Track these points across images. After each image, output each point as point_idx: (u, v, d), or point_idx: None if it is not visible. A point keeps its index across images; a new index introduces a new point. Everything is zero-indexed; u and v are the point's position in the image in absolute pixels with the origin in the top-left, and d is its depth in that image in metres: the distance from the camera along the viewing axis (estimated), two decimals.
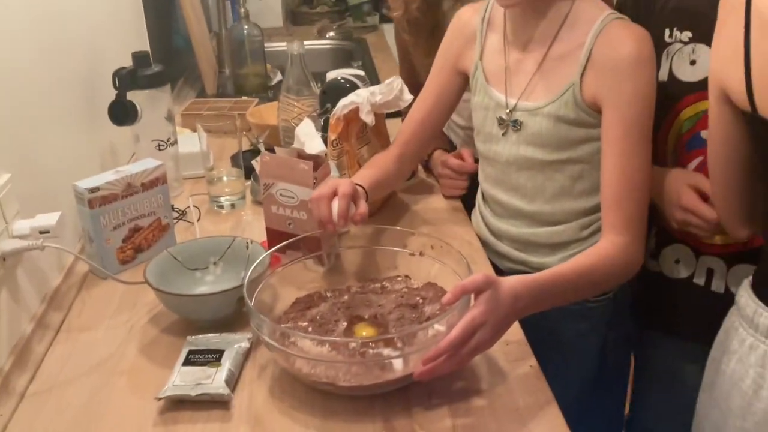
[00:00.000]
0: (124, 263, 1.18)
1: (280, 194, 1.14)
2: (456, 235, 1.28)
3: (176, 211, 1.36)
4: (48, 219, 0.97)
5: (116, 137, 1.44)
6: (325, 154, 1.24)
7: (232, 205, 1.39)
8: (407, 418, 0.86)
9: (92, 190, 1.11)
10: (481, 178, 1.25)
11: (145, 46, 1.79)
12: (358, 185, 1.10)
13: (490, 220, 1.23)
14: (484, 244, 1.25)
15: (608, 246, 1.02)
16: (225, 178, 1.42)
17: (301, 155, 1.15)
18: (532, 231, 1.17)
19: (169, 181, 1.43)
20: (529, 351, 0.97)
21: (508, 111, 1.13)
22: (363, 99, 1.26)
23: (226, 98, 2.01)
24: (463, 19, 1.21)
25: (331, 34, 2.71)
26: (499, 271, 1.24)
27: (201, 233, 1.30)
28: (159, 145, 1.41)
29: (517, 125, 1.12)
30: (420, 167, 1.51)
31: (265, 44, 2.52)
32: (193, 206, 1.38)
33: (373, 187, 1.15)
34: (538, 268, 1.06)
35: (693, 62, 1.07)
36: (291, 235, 1.11)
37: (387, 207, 1.40)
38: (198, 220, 1.35)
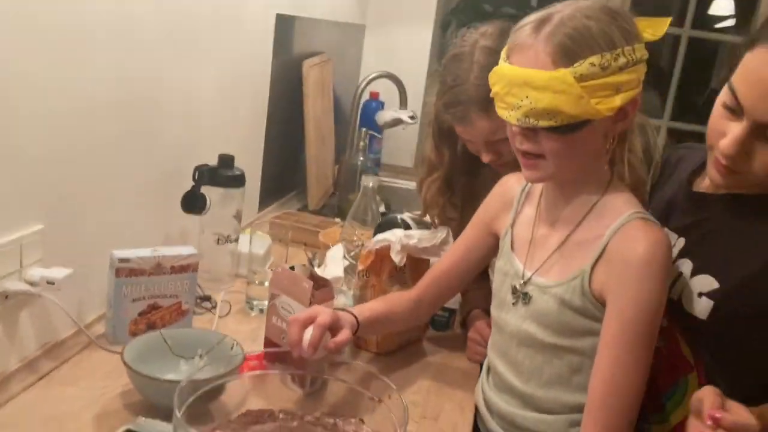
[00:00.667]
0: (134, 335, 1.24)
1: (282, 307, 1.17)
2: (455, 398, 1.23)
3: (206, 299, 1.43)
4: (59, 273, 1.06)
5: (187, 224, 1.56)
6: (339, 281, 1.26)
7: (261, 310, 1.43)
8: None
9: (122, 260, 1.21)
10: (489, 344, 1.20)
11: (258, 152, 1.97)
12: (352, 314, 1.11)
13: (487, 392, 1.17)
14: (479, 414, 1.18)
15: None
16: (265, 284, 1.48)
17: (313, 276, 1.18)
18: (522, 413, 1.09)
19: (221, 276, 1.55)
20: None
21: (522, 282, 1.10)
22: (396, 238, 1.28)
23: (321, 216, 2.11)
24: (506, 186, 1.22)
25: None
26: None
27: (221, 328, 1.34)
28: (218, 239, 1.51)
29: (526, 298, 1.09)
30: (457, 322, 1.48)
31: (387, 180, 2.66)
32: (225, 301, 1.45)
33: (371, 321, 1.15)
34: None
35: None
36: (284, 352, 1.12)
37: (406, 351, 1.37)
38: (224, 315, 1.41)
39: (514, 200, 1.18)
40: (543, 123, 0.96)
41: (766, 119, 0.92)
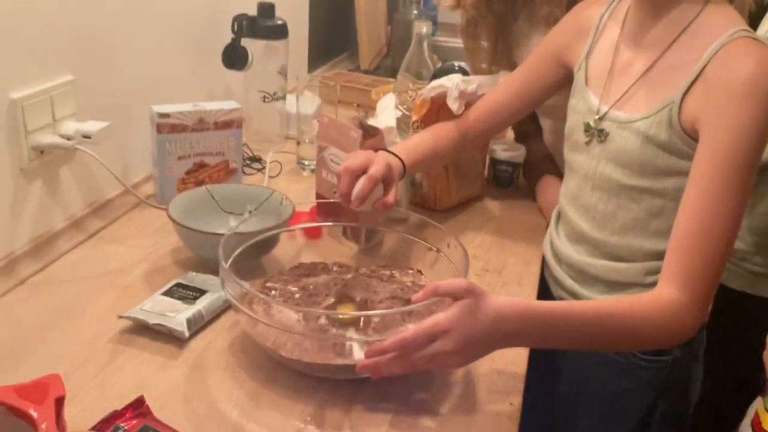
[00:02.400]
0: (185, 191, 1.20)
1: (331, 159, 1.09)
2: (520, 252, 1.15)
3: (255, 160, 1.37)
4: (95, 126, 1.01)
5: (230, 81, 1.47)
6: (391, 130, 1.17)
7: (313, 170, 1.36)
8: (343, 412, 0.77)
9: (162, 115, 1.14)
10: (561, 190, 1.10)
11: (304, 5, 1.84)
12: (398, 157, 1.02)
13: (556, 240, 1.08)
14: (546, 264, 1.11)
15: (656, 298, 0.83)
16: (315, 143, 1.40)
17: (362, 125, 1.09)
18: (591, 261, 1.00)
19: (270, 136, 1.48)
20: (520, 387, 0.83)
21: (597, 118, 0.98)
22: (453, 84, 1.16)
23: (374, 76, 2.00)
24: (583, 11, 1.07)
25: None
26: (551, 299, 1.09)
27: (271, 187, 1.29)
28: (264, 97, 1.43)
29: (602, 136, 0.97)
30: (521, 177, 1.39)
31: (446, 39, 2.49)
32: (275, 161, 1.38)
33: (418, 160, 1.06)
34: None
35: None
36: (336, 204, 1.06)
37: (466, 207, 1.29)
38: (275, 175, 1.35)
39: (592, 26, 1.03)
40: None
41: None
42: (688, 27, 0.90)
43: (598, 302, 0.87)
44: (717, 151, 0.83)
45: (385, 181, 0.97)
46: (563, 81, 1.09)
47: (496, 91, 1.14)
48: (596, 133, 0.97)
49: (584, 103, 1.01)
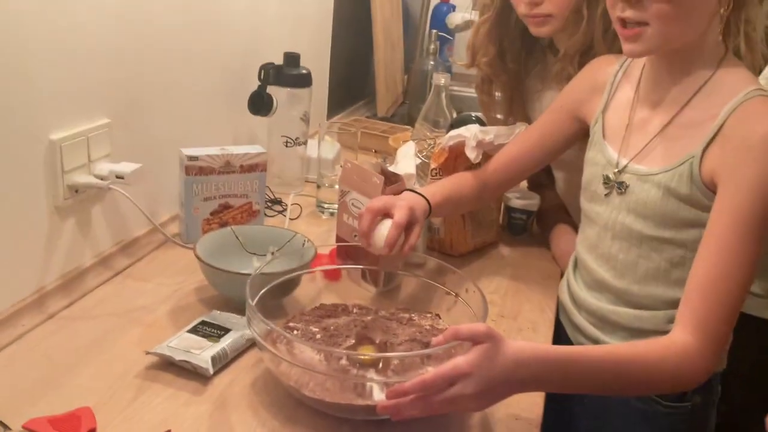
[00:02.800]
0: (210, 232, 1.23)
1: (352, 204, 1.13)
2: (535, 299, 1.17)
3: (276, 203, 1.41)
4: (128, 167, 1.05)
5: (255, 126, 1.52)
6: (411, 177, 1.20)
7: (332, 213, 1.40)
8: None
9: (191, 158, 1.18)
10: (578, 239, 1.13)
11: (325, 55, 1.90)
12: (424, 197, 1.06)
13: (575, 287, 1.10)
14: (563, 310, 1.13)
15: (670, 342, 0.85)
16: (336, 187, 1.44)
17: (384, 171, 1.13)
18: (613, 309, 1.03)
19: (291, 180, 1.52)
20: (539, 404, 0.85)
21: (616, 171, 1.01)
22: (471, 134, 1.21)
23: (391, 123, 2.05)
24: (597, 68, 1.11)
25: None
26: (570, 344, 1.11)
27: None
28: (287, 142, 1.47)
29: (622, 188, 1.00)
30: (535, 225, 1.42)
31: (461, 89, 2.56)
32: (295, 204, 1.42)
33: (442, 202, 1.11)
34: None
35: None
36: (356, 247, 1.09)
37: (481, 253, 1.32)
38: (295, 217, 1.39)
39: (606, 83, 1.07)
40: None
41: None
42: (704, 86, 0.94)
43: (613, 348, 0.89)
44: (735, 203, 0.86)
45: (408, 223, 1.01)
46: (578, 135, 1.13)
47: (514, 143, 1.18)
48: (616, 185, 1.01)
49: (602, 155, 1.04)
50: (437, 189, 1.13)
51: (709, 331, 0.84)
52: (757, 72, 1.00)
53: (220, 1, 1.32)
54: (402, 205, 1.01)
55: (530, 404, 0.89)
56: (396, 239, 0.99)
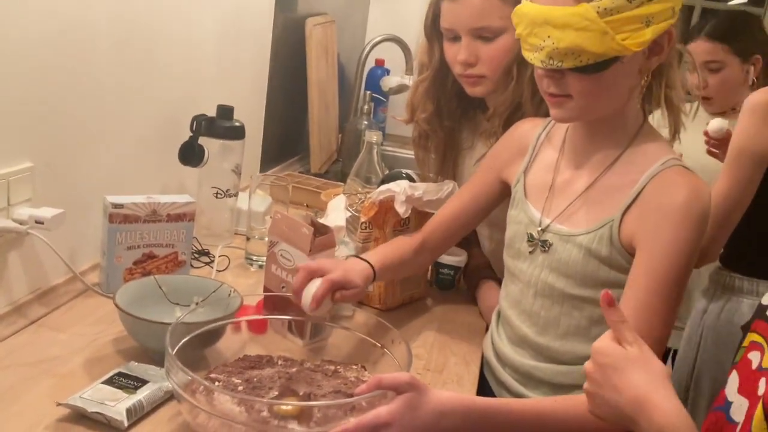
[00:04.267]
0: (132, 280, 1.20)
1: (281, 254, 1.12)
2: (460, 352, 1.18)
3: (204, 254, 1.39)
4: (49, 212, 1.02)
5: (185, 176, 1.51)
6: (341, 230, 1.21)
7: (260, 266, 1.39)
8: None
9: (116, 206, 1.16)
10: (501, 295, 1.16)
11: (260, 110, 1.92)
12: (368, 262, 1.08)
13: (498, 342, 1.12)
14: (488, 366, 1.14)
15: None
16: (265, 239, 1.43)
17: (314, 223, 1.13)
18: (535, 364, 1.05)
19: (220, 231, 1.50)
20: None
21: (540, 229, 1.05)
22: (400, 189, 1.23)
23: (324, 179, 2.07)
24: (520, 131, 1.16)
25: None
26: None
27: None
28: (217, 193, 1.47)
29: (545, 247, 1.04)
30: (462, 280, 1.44)
31: (393, 150, 2.61)
32: (223, 256, 1.40)
33: (385, 266, 1.12)
34: None
35: None
36: (283, 298, 1.09)
37: (409, 307, 1.33)
38: (223, 269, 1.37)
39: (529, 146, 1.12)
40: (567, 63, 0.91)
41: None
42: (624, 153, 1.00)
43: (536, 401, 0.90)
44: (653, 266, 0.91)
45: (340, 285, 1.01)
46: (505, 194, 1.17)
47: (448, 205, 1.23)
48: (539, 244, 1.04)
49: (525, 214, 1.08)
50: (380, 255, 1.14)
51: None
52: (677, 132, 1.06)
53: (155, 47, 1.32)
54: (338, 267, 1.02)
55: None
56: (323, 295, 0.99)
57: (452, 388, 1.07)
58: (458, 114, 1.41)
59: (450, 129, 1.41)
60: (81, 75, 1.13)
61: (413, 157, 2.61)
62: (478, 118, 1.38)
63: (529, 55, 0.94)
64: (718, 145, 1.65)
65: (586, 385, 0.76)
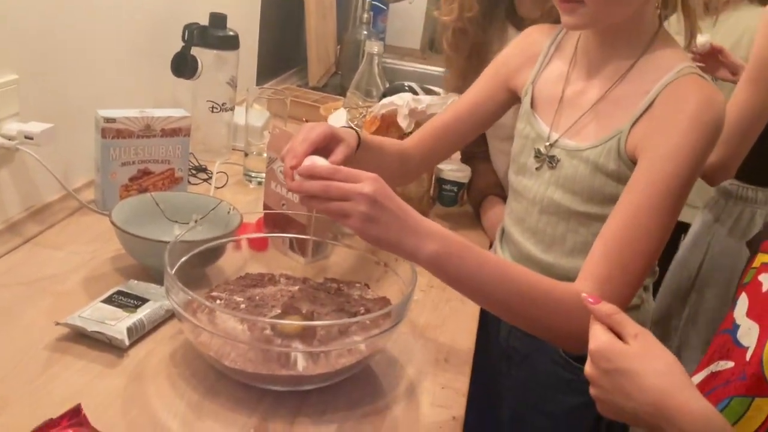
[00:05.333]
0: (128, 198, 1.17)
1: (280, 171, 1.09)
2: None
3: (201, 170, 1.35)
4: (38, 127, 0.98)
5: (179, 89, 1.45)
6: None
7: (260, 183, 1.36)
8: (287, 424, 0.76)
9: (108, 120, 1.12)
10: (506, 212, 1.13)
11: (255, 18, 1.84)
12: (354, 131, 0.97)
13: None
14: None
15: (573, 288, 0.84)
16: (264, 155, 1.39)
17: None
18: None
19: (217, 147, 1.46)
20: (462, 402, 0.84)
21: (547, 144, 1.01)
22: (403, 102, 1.19)
23: (322, 93, 2.01)
24: (532, 37, 1.10)
25: None
26: (497, 319, 1.11)
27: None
28: (213, 107, 1.42)
29: (553, 162, 1.00)
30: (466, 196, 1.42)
31: (394, 62, 2.53)
32: (221, 172, 1.37)
33: (370, 144, 1.00)
34: None
35: None
36: (284, 216, 1.06)
37: None
38: (221, 186, 1.34)
39: (539, 55, 1.06)
40: None
41: None
42: (637, 62, 0.94)
43: (519, 265, 0.87)
44: (651, 171, 0.86)
45: (330, 141, 0.89)
46: (509, 104, 1.11)
47: (444, 112, 1.15)
48: (547, 160, 1.00)
49: (532, 128, 1.04)
50: (364, 134, 1.03)
51: (608, 290, 0.82)
52: (693, 37, 1.00)
53: None
54: (322, 125, 0.90)
55: (456, 374, 0.88)
56: (303, 155, 0.84)
57: (456, 305, 1.06)
58: (502, 15, 1.32)
59: (484, 31, 1.33)
60: None
61: (415, 69, 2.56)
62: (507, 27, 1.30)
63: None
64: (701, 59, 1.59)
65: (591, 389, 0.68)
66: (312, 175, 0.78)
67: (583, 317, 0.77)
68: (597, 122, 0.97)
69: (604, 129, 0.95)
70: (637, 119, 0.91)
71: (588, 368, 0.67)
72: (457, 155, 1.49)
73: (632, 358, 0.64)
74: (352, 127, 1.01)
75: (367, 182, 0.77)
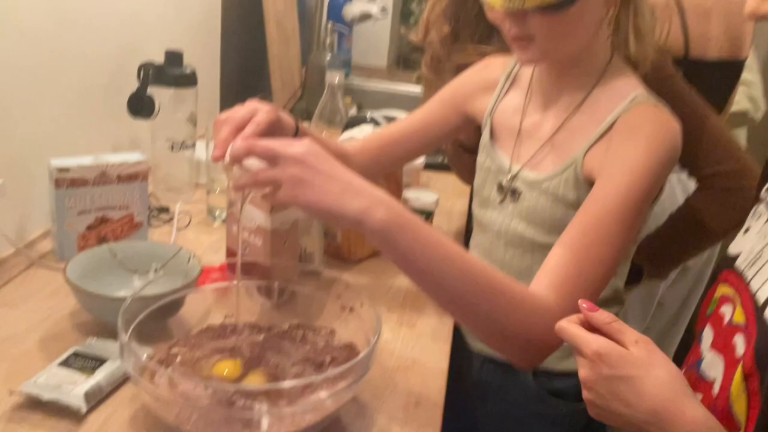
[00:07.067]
0: (84, 249, 1.14)
1: (241, 214, 1.06)
2: (434, 305, 1.15)
3: (163, 211, 1.33)
4: None
5: (137, 130, 1.43)
6: None
7: (224, 220, 1.33)
8: None
9: (62, 170, 1.09)
10: (471, 244, 1.12)
11: (215, 50, 1.81)
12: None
13: None
14: None
15: (530, 290, 0.82)
16: (226, 192, 1.37)
17: None
18: None
19: (179, 185, 1.44)
20: (438, 419, 0.83)
21: (508, 177, 1.00)
22: (363, 135, 1.17)
23: None
24: (490, 67, 1.10)
25: None
26: (470, 354, 1.10)
27: (180, 241, 1.25)
28: (172, 146, 1.39)
29: (515, 195, 0.99)
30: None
31: (361, 82, 2.51)
32: (184, 212, 1.34)
33: (309, 134, 0.96)
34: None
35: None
36: (246, 260, 1.04)
37: (381, 257, 1.29)
38: (184, 227, 1.31)
39: (497, 85, 1.06)
40: (531, 3, 0.84)
41: None
42: (591, 92, 0.94)
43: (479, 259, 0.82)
44: (613, 182, 0.86)
45: (273, 132, 0.85)
46: (463, 128, 1.11)
47: (394, 125, 1.13)
48: (510, 192, 1.00)
49: (493, 161, 1.03)
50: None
51: (566, 299, 0.79)
52: (648, 63, 0.99)
53: None
54: (267, 108, 0.87)
55: (428, 418, 0.87)
56: (230, 138, 0.81)
57: (426, 342, 1.04)
58: (475, 39, 1.31)
59: (460, 52, 1.30)
60: (12, 23, 1.03)
61: (380, 89, 2.54)
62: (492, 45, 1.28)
63: None
64: None
65: (585, 393, 0.65)
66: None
67: (540, 323, 0.76)
68: (555, 153, 0.96)
69: (561, 159, 0.95)
70: (592, 145, 0.91)
71: (584, 372, 0.65)
72: (425, 181, 1.48)
73: (634, 364, 0.63)
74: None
75: (296, 144, 0.70)
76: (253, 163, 0.75)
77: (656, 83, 0.96)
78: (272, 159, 0.71)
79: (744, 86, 1.88)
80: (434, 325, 1.09)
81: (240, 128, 0.82)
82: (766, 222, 0.70)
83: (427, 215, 1.38)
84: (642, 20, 0.91)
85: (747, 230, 0.73)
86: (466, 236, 1.33)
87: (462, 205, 1.54)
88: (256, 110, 0.84)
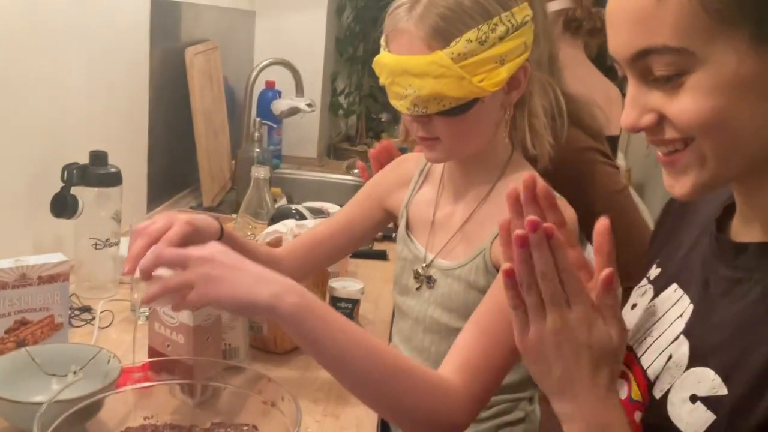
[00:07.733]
0: (1, 354, 1.12)
1: (164, 312, 1.07)
2: (356, 402, 1.16)
3: (85, 311, 1.31)
4: None
5: (60, 230, 1.42)
6: None
7: (147, 317, 1.32)
8: None
9: None
10: (393, 331, 1.15)
11: (142, 148, 1.84)
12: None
13: None
14: None
15: (436, 374, 0.86)
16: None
17: None
18: None
19: (104, 284, 1.43)
20: None
21: (424, 265, 1.05)
22: (287, 230, 1.21)
23: (218, 212, 2.01)
24: (405, 164, 1.17)
25: (356, 171, 2.72)
26: None
27: (102, 340, 1.23)
28: (96, 244, 1.39)
29: (431, 282, 1.04)
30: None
31: (291, 171, 2.57)
32: (106, 311, 1.33)
33: (234, 240, 1.01)
34: None
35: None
36: (170, 359, 1.04)
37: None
38: (106, 326, 1.30)
39: (411, 180, 1.13)
40: (431, 109, 0.92)
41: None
42: (495, 185, 1.01)
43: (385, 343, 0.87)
44: None
45: (190, 242, 0.87)
46: (386, 222, 1.16)
47: (319, 226, 1.18)
48: (425, 280, 1.04)
49: (410, 251, 1.08)
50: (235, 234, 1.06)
51: (472, 382, 0.84)
52: (546, 157, 1.07)
53: (14, 97, 1.24)
54: (184, 219, 0.90)
55: None
56: (142, 252, 0.86)
57: None
58: None
59: None
60: None
61: (311, 179, 2.60)
62: None
63: (395, 103, 0.95)
64: None
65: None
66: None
67: (445, 403, 0.81)
68: (465, 242, 1.02)
69: (471, 248, 1.00)
70: (498, 234, 0.96)
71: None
72: (352, 270, 1.51)
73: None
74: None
75: (203, 246, 0.74)
76: (163, 272, 0.78)
77: (573, 154, 1.07)
78: (182, 263, 0.74)
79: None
80: (361, 414, 1.10)
81: (154, 242, 0.85)
82: (651, 300, 0.76)
83: (353, 303, 1.41)
84: (536, 120, 0.99)
85: (634, 306, 0.79)
86: (392, 323, 1.37)
87: (389, 293, 1.58)
88: (172, 223, 0.87)
